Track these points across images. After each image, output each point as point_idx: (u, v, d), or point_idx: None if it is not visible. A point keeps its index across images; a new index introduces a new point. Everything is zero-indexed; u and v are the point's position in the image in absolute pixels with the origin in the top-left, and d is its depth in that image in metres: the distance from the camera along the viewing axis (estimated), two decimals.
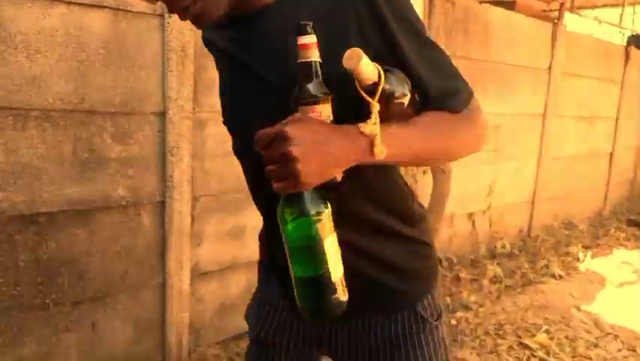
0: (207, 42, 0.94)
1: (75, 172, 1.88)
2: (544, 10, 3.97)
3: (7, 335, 1.84)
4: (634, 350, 2.49)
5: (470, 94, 0.83)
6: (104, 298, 2.04)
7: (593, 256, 3.82)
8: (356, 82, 0.68)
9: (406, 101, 0.73)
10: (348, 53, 0.65)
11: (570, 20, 4.66)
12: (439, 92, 0.78)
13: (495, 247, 3.79)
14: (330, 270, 0.70)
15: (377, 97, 0.68)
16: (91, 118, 1.87)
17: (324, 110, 0.69)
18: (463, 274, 3.31)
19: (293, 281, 0.73)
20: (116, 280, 2.06)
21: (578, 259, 3.72)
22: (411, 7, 0.80)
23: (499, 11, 3.50)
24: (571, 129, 4.46)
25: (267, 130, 0.66)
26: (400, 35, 0.75)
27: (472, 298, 2.91)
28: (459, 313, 2.68)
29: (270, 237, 0.97)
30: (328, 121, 0.70)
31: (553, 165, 4.27)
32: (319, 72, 0.69)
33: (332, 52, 0.68)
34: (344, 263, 0.75)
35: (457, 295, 2.95)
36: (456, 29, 3.21)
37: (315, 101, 0.69)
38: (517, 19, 3.66)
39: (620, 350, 2.50)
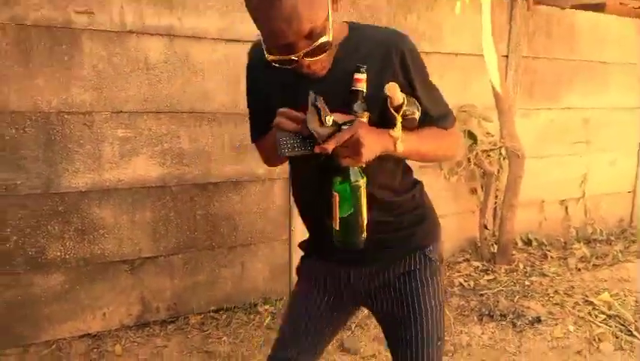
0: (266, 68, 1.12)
1: (232, 156, 2.73)
2: (637, 7, 4.10)
3: (189, 265, 2.73)
4: None
5: (454, 118, 1.26)
6: (249, 246, 2.87)
7: None
8: (388, 102, 1.04)
9: (416, 117, 1.12)
10: (389, 85, 1.04)
11: None
12: (437, 115, 1.20)
13: (590, 234, 4.01)
14: (363, 215, 1.08)
15: (401, 113, 1.06)
16: (241, 118, 2.71)
17: (365, 119, 1.05)
18: (552, 254, 3.62)
19: (337, 223, 1.07)
20: (258, 233, 2.87)
21: None
22: (423, 64, 1.18)
23: (585, 14, 3.80)
24: None
25: (347, 131, 0.99)
26: (416, 80, 1.14)
27: (553, 269, 3.26)
28: (533, 278, 3.07)
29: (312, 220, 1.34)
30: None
31: None
32: (364, 96, 1.05)
33: (378, 85, 1.05)
34: (374, 235, 1.12)
35: (539, 266, 3.31)
36: (538, 33, 3.60)
37: (362, 115, 1.05)
38: (606, 20, 3.90)
39: None
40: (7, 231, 2.34)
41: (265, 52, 1.03)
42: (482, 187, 3.41)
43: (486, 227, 3.31)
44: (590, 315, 2.62)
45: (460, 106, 3.29)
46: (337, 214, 1.06)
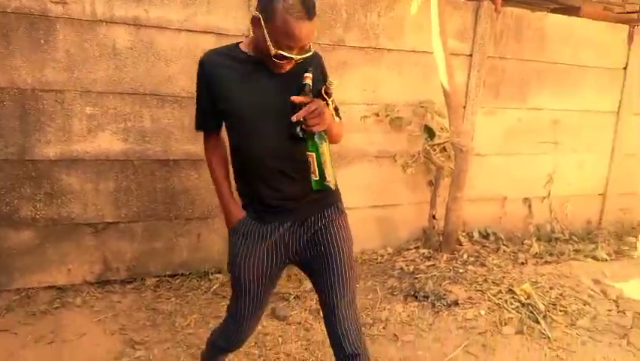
0: (214, 67, 1.67)
1: (190, 135, 3.01)
2: (621, 12, 4.13)
3: (147, 233, 3.04)
4: (623, 313, 2.80)
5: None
6: (206, 219, 3.15)
7: None
8: (323, 88, 1.54)
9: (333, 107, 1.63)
10: (330, 81, 1.57)
11: None
12: (336, 108, 1.69)
13: (553, 232, 4.11)
14: (329, 166, 1.52)
15: (331, 99, 1.57)
16: None
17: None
18: (506, 248, 3.75)
19: (317, 174, 1.52)
20: (214, 208, 3.15)
21: (635, 248, 3.86)
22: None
23: (556, 17, 3.87)
24: None
25: (313, 103, 1.47)
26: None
27: (496, 261, 3.41)
28: (471, 267, 3.24)
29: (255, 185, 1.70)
30: None
31: (628, 160, 4.37)
32: (311, 87, 1.51)
33: (316, 81, 1.55)
34: (305, 191, 1.60)
35: (484, 258, 3.46)
36: (507, 35, 3.72)
37: (313, 98, 1.51)
38: (580, 24, 3.96)
39: (609, 311, 2.83)
40: None
41: (272, 46, 1.45)
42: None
43: (434, 217, 3.48)
44: (506, 302, 2.79)
45: (420, 102, 3.47)
46: (315, 168, 1.52)
